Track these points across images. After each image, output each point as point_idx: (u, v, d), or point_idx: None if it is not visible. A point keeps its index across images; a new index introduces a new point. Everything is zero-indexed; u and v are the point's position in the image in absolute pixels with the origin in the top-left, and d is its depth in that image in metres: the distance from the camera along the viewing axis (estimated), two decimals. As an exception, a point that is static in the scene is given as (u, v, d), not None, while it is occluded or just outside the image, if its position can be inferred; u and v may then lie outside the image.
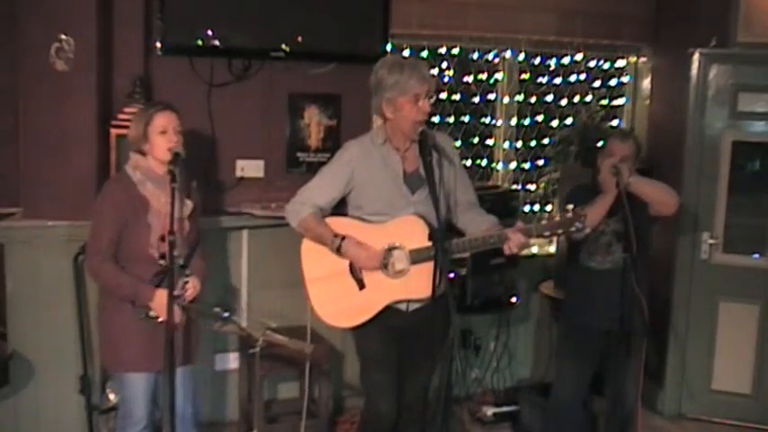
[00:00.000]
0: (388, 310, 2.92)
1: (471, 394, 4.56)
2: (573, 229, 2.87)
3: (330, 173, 2.97)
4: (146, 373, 2.91)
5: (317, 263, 2.94)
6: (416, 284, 2.86)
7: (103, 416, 3.63)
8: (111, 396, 3.57)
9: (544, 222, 2.91)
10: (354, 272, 2.93)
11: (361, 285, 2.91)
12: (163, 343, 2.67)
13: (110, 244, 2.83)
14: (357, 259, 2.87)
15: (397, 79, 2.82)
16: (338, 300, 2.93)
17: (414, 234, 2.87)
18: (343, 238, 2.86)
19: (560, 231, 2.90)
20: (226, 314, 2.91)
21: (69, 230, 3.56)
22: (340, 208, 3.04)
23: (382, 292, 2.90)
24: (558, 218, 2.89)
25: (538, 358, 4.81)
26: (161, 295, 2.77)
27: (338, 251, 2.87)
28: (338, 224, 2.93)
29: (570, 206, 2.88)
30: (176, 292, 2.77)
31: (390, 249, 2.88)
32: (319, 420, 3.87)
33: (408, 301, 2.93)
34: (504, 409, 4.35)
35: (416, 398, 3.12)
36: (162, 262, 2.82)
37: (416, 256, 2.86)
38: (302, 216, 2.91)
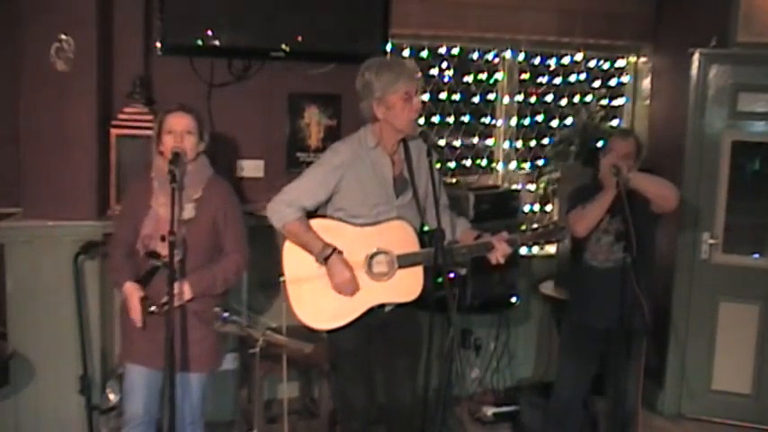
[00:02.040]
0: (366, 311, 2.92)
1: (471, 394, 4.56)
2: (554, 239, 3.10)
3: (319, 176, 2.92)
4: (144, 367, 2.92)
5: (299, 263, 2.91)
6: (401, 288, 2.89)
7: (103, 416, 3.63)
8: (111, 396, 3.56)
9: (528, 233, 3.07)
10: None
11: None
12: (161, 341, 2.67)
13: (124, 235, 2.97)
14: (336, 278, 2.84)
15: (387, 79, 2.81)
16: (319, 302, 2.90)
17: (402, 240, 2.88)
18: (334, 249, 2.84)
19: (543, 241, 3.08)
20: (226, 314, 2.91)
21: (70, 230, 3.56)
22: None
23: (366, 294, 2.89)
24: (540, 230, 3.07)
25: (538, 358, 4.81)
26: (129, 287, 2.84)
27: (325, 260, 2.84)
28: (326, 227, 2.90)
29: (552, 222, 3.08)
30: (142, 293, 2.81)
31: (375, 254, 2.88)
32: (319, 420, 3.86)
33: (385, 303, 2.94)
34: (504, 409, 4.35)
35: (406, 398, 3.08)
36: (157, 262, 2.83)
37: (404, 261, 2.87)
38: (288, 219, 2.88)
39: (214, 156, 3.99)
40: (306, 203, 2.90)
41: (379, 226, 2.89)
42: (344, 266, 2.84)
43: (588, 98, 4.92)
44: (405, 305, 2.94)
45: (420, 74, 2.91)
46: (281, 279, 2.92)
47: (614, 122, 5.00)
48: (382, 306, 2.95)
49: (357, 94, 2.92)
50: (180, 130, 2.88)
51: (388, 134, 2.91)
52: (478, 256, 2.99)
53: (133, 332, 2.90)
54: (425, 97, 2.90)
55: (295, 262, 2.92)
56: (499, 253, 2.92)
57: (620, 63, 4.99)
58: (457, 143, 4.71)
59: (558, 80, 4.86)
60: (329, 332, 3.03)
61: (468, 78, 4.66)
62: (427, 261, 2.85)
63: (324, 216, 2.96)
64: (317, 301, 2.91)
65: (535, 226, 3.21)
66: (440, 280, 2.83)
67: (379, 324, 2.97)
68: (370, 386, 3.07)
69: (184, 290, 2.86)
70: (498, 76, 4.75)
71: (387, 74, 2.82)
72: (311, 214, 2.96)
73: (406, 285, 2.89)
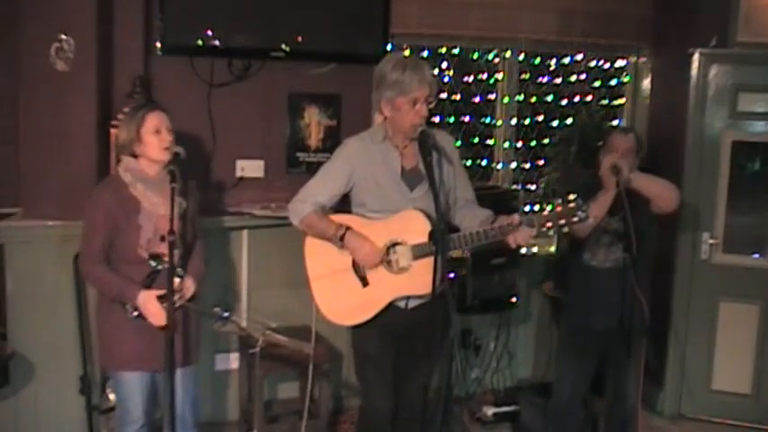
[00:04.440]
0: (389, 308, 2.91)
1: (471, 394, 4.56)
2: (575, 218, 2.80)
3: (330, 170, 2.97)
4: (140, 372, 2.90)
5: (320, 260, 2.94)
6: (419, 280, 2.86)
7: (103, 416, 3.63)
8: (111, 396, 3.55)
9: (546, 213, 2.82)
10: (358, 269, 2.92)
11: (365, 282, 2.91)
12: (158, 343, 2.67)
13: (101, 248, 2.83)
14: (357, 252, 2.86)
15: (398, 78, 2.81)
16: (342, 297, 2.93)
17: (415, 229, 2.87)
18: (348, 228, 2.85)
19: (563, 222, 2.81)
20: (226, 314, 2.91)
21: (69, 231, 3.55)
22: (344, 206, 3.04)
23: (385, 288, 2.89)
24: (560, 208, 2.81)
25: (538, 358, 4.81)
26: (145, 296, 2.78)
27: (341, 241, 2.85)
28: (340, 221, 2.92)
29: (572, 196, 2.83)
30: (162, 291, 2.76)
31: (393, 245, 2.88)
32: (319, 420, 3.87)
33: (408, 297, 2.93)
34: (504, 409, 4.35)
35: (416, 398, 3.10)
36: (152, 263, 2.82)
37: (418, 252, 2.85)
38: (304, 214, 2.91)
39: (213, 155, 4.03)
40: (320, 199, 2.93)
41: (392, 217, 2.89)
42: (361, 239, 2.85)
43: (588, 98, 4.92)
44: (433, 302, 2.91)
45: (433, 82, 2.85)
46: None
47: (614, 122, 5.00)
48: (407, 302, 2.93)
49: (373, 84, 2.91)
50: (165, 127, 2.86)
51: (394, 131, 2.93)
52: (497, 240, 2.86)
53: (128, 339, 2.87)
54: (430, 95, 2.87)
55: (316, 259, 2.95)
56: (520, 237, 2.80)
57: (620, 63, 4.99)
58: (457, 143, 4.72)
59: (558, 80, 4.86)
60: (353, 333, 3.05)
61: (468, 78, 4.66)
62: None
63: (342, 211, 2.98)
64: (338, 296, 2.93)
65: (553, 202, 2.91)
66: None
67: (405, 324, 2.96)
68: (392, 390, 3.06)
69: (189, 285, 2.88)
70: (498, 76, 4.75)
71: (401, 74, 2.81)
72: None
73: (424, 278, 2.83)
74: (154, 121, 2.84)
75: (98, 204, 2.85)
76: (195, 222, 3.07)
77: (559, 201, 2.81)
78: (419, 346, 3.02)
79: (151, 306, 2.78)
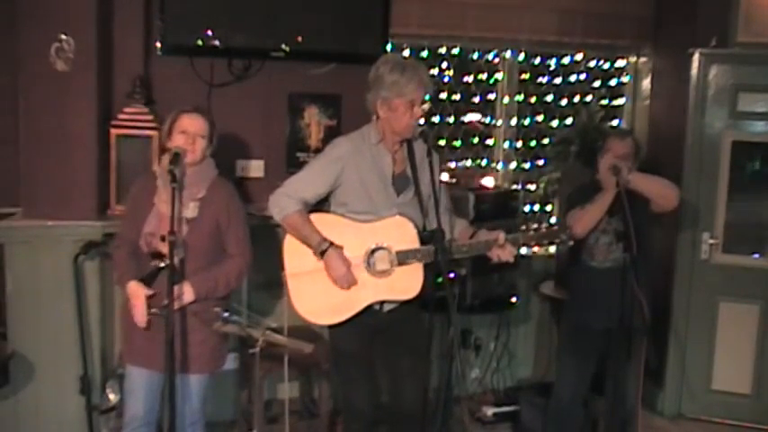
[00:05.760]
0: (365, 310, 2.91)
1: (471, 394, 4.56)
2: (557, 240, 3.02)
3: (319, 168, 2.95)
4: (144, 368, 2.92)
5: (300, 258, 2.92)
6: (401, 285, 2.88)
7: (103, 416, 3.63)
8: (111, 396, 3.56)
9: (531, 234, 3.01)
10: None
11: None
12: (158, 342, 2.69)
13: (128, 232, 2.96)
14: (333, 271, 2.84)
15: (397, 80, 2.81)
16: (319, 296, 2.91)
17: (402, 236, 2.88)
18: (331, 244, 2.84)
19: (545, 243, 3.08)
20: (226, 314, 2.91)
21: (69, 230, 3.56)
22: (321, 203, 3.02)
23: (365, 291, 2.89)
24: (544, 230, 3.03)
25: (538, 358, 4.81)
26: (132, 287, 2.84)
27: (322, 255, 2.85)
28: (325, 221, 2.91)
29: (554, 219, 2.97)
30: (151, 291, 2.82)
31: (374, 250, 2.88)
32: (319, 420, 3.87)
33: (384, 301, 2.93)
34: (504, 409, 4.36)
35: (412, 402, 3.05)
36: (160, 262, 2.83)
37: (404, 258, 2.86)
38: (288, 212, 2.89)
39: (214, 156, 4.02)
40: (306, 196, 2.91)
41: (379, 222, 2.89)
42: (341, 261, 2.84)
43: (588, 98, 4.92)
44: (407, 305, 2.94)
45: (429, 84, 2.87)
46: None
47: (614, 122, 5.01)
48: (382, 306, 2.94)
49: (367, 84, 2.91)
50: (193, 132, 2.89)
51: (388, 132, 2.92)
52: (479, 254, 2.97)
53: (134, 333, 2.91)
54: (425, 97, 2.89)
55: (295, 256, 2.93)
56: (503, 253, 2.89)
57: (620, 63, 4.99)
58: (457, 143, 4.72)
59: (558, 80, 4.86)
60: (330, 332, 3.04)
61: (468, 78, 4.66)
62: (427, 259, 2.85)
63: (325, 211, 2.96)
64: (316, 295, 2.91)
65: (535, 226, 3.15)
66: (440, 280, 2.83)
67: (381, 325, 2.97)
68: (371, 387, 3.07)
69: (186, 292, 2.86)
70: (498, 76, 4.75)
71: (399, 76, 2.81)
72: (314, 210, 2.96)
73: (406, 283, 2.88)
74: (185, 122, 2.90)
75: (130, 192, 3.07)
76: (226, 231, 2.99)
77: (544, 225, 3.02)
78: (397, 348, 3.02)
79: (136, 299, 2.84)
